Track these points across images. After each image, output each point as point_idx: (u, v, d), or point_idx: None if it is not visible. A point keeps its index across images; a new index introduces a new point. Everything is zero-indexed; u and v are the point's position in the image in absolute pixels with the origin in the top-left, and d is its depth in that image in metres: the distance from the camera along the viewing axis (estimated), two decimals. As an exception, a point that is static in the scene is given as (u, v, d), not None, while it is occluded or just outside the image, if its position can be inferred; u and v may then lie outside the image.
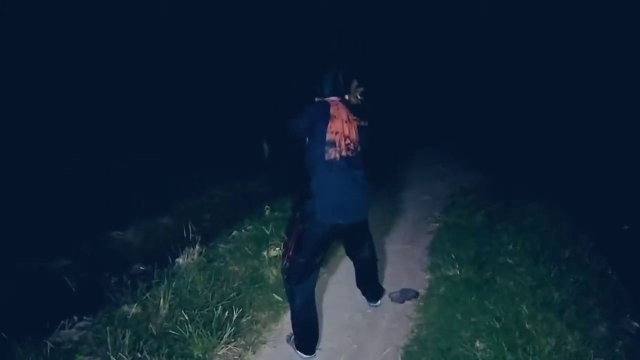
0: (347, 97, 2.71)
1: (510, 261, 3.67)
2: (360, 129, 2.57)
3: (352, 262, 3.13)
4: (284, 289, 3.26)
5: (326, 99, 2.60)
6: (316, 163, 2.48)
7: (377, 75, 2.88)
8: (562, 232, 4.42)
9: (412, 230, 4.73)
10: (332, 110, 2.48)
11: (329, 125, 2.45)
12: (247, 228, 4.43)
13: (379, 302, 3.18)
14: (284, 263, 2.63)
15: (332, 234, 2.58)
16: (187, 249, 3.73)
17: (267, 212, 4.98)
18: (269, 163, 8.22)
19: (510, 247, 3.95)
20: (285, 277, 2.61)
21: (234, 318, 2.75)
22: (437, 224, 4.82)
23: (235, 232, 4.36)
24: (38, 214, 4.62)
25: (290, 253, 2.57)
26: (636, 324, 3.10)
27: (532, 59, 10.88)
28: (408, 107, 11.45)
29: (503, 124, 10.26)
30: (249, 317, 2.88)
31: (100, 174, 5.96)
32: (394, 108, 9.70)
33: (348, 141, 2.48)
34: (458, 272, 3.51)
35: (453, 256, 3.74)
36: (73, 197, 5.19)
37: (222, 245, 4.00)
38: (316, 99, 2.64)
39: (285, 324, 2.96)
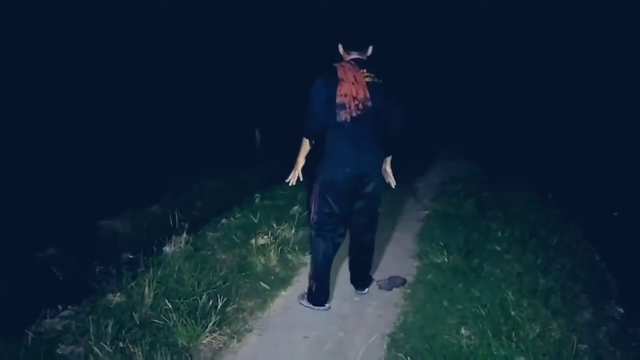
0: (368, 52, 2.72)
1: (499, 248, 3.68)
2: (371, 85, 2.61)
3: (338, 253, 3.07)
4: (271, 278, 3.30)
5: (343, 60, 2.70)
6: (329, 125, 2.63)
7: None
8: (551, 220, 4.45)
9: (402, 217, 4.72)
10: (339, 74, 2.59)
11: (338, 89, 2.57)
12: (237, 216, 4.40)
13: (365, 290, 3.18)
14: (311, 217, 2.86)
15: (345, 186, 2.70)
16: (174, 237, 3.71)
17: (257, 201, 4.96)
18: (261, 152, 8.19)
19: (499, 234, 3.96)
20: (312, 229, 2.86)
21: (220, 306, 2.72)
22: (427, 212, 4.82)
23: (224, 221, 4.33)
24: (26, 203, 4.58)
25: (314, 208, 2.81)
26: (621, 310, 3.12)
27: (524, 55, 10.89)
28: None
29: (495, 115, 10.26)
30: (234, 306, 2.85)
31: (90, 162, 5.90)
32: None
33: (357, 102, 2.58)
34: (446, 259, 3.51)
35: (441, 244, 3.74)
36: (62, 186, 5.14)
37: (210, 234, 3.97)
38: (341, 52, 2.73)
39: (272, 312, 2.95)
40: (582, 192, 5.68)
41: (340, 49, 2.74)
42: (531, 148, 7.95)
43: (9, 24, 5.82)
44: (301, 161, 2.86)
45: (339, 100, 2.57)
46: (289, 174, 2.89)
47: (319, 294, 2.91)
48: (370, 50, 2.73)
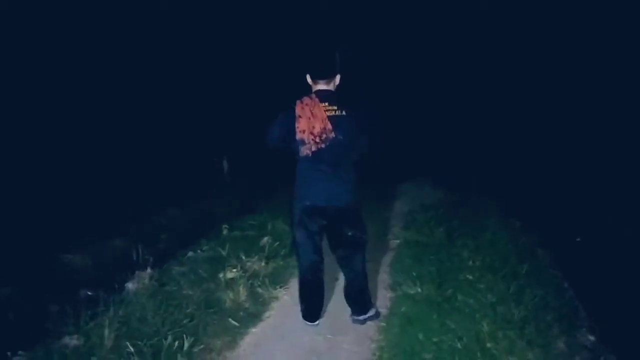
0: (335, 81, 2.76)
1: (471, 277, 3.66)
2: (333, 118, 2.64)
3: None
4: (241, 314, 3.16)
5: (312, 90, 2.77)
6: (297, 159, 2.77)
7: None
8: (519, 247, 4.48)
9: (373, 247, 4.64)
10: (297, 111, 2.68)
11: (296, 126, 2.66)
12: (204, 249, 4.25)
13: (362, 317, 3.11)
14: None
15: (309, 218, 2.82)
16: (138, 272, 3.53)
17: (225, 232, 4.81)
18: (229, 180, 8.06)
19: (470, 263, 3.95)
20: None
21: (186, 347, 2.58)
22: (398, 241, 4.79)
23: (190, 254, 4.17)
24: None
25: (294, 232, 2.98)
26: (592, 338, 3.13)
27: (491, 76, 11.16)
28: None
29: (463, 142, 10.48)
30: (202, 346, 2.71)
31: (49, 192, 5.64)
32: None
33: (313, 136, 2.64)
34: (419, 289, 3.46)
35: (414, 274, 3.70)
36: (19, 218, 4.87)
37: (176, 268, 3.80)
38: (309, 83, 2.79)
39: (242, 350, 2.82)
40: (549, 217, 5.80)
41: (308, 79, 2.79)
42: (498, 172, 8.12)
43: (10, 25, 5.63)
44: None
45: (298, 136, 2.67)
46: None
47: (305, 311, 3.07)
48: (337, 79, 2.77)
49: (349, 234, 2.88)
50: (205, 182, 7.48)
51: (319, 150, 2.65)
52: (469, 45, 11.37)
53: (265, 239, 4.48)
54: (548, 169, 8.03)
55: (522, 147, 9.40)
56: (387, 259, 4.32)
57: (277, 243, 4.32)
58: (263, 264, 3.85)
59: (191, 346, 2.63)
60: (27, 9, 5.95)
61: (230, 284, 3.44)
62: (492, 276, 3.64)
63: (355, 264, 2.98)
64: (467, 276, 3.68)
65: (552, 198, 6.61)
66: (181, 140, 8.14)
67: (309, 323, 3.06)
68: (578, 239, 5.34)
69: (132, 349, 2.47)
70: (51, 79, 6.48)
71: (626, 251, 4.60)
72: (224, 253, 3.98)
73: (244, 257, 3.89)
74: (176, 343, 2.59)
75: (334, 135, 2.64)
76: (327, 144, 2.64)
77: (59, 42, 6.45)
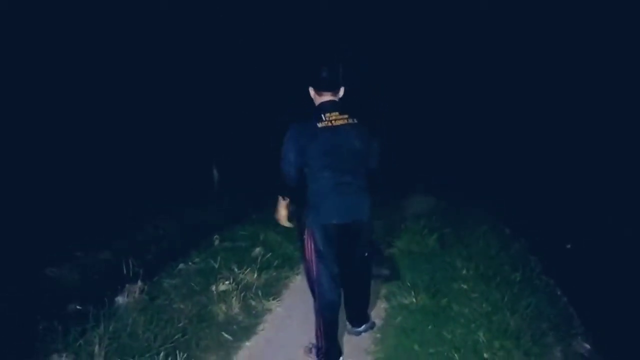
0: (340, 94, 2.65)
1: (465, 287, 3.66)
2: (348, 126, 2.55)
3: (304, 297, 3.01)
4: (234, 328, 3.11)
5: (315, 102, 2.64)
6: (312, 172, 2.55)
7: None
8: (511, 255, 4.49)
9: (366, 257, 4.64)
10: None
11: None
12: (195, 260, 4.18)
13: (362, 327, 3.03)
14: (311, 275, 2.69)
15: (335, 237, 2.60)
16: (128, 286, 3.46)
17: (216, 242, 4.76)
18: (219, 189, 7.99)
19: (464, 272, 3.95)
20: (315, 285, 2.69)
21: (179, 363, 2.53)
22: (391, 250, 4.77)
23: (181, 266, 4.10)
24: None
25: (314, 268, 2.64)
26: (587, 346, 3.13)
27: (480, 83, 11.26)
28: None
29: (452, 149, 10.54)
30: (195, 361, 2.66)
31: (33, 204, 5.53)
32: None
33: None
34: (414, 300, 3.44)
35: (409, 283, 3.68)
36: (3, 231, 4.76)
37: (167, 281, 3.74)
38: (312, 96, 2.65)
39: (235, 365, 2.76)
40: (536, 222, 5.82)
41: (312, 92, 2.65)
42: (484, 178, 8.17)
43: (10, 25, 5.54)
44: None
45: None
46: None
47: (332, 351, 2.72)
48: (342, 91, 2.66)
49: (365, 252, 2.78)
50: (195, 192, 7.41)
51: (338, 160, 2.52)
52: (458, 55, 11.48)
53: (257, 249, 4.44)
54: (535, 174, 8.10)
55: (510, 153, 9.48)
56: (381, 268, 4.29)
57: (270, 254, 4.27)
58: (255, 275, 3.80)
59: (184, 362, 2.57)
60: (26, 9, 5.87)
61: (223, 296, 3.38)
62: (486, 285, 3.64)
63: (366, 273, 2.91)
64: (462, 285, 3.68)
65: (540, 204, 6.65)
66: (170, 151, 8.06)
67: None
68: (568, 246, 5.37)
69: (122, 367, 2.41)
70: (33, 101, 6.38)
71: (617, 256, 4.63)
72: (215, 265, 3.92)
73: (236, 269, 3.83)
74: (168, 359, 2.53)
75: (350, 146, 2.54)
76: (345, 153, 2.53)
77: (43, 58, 6.36)
